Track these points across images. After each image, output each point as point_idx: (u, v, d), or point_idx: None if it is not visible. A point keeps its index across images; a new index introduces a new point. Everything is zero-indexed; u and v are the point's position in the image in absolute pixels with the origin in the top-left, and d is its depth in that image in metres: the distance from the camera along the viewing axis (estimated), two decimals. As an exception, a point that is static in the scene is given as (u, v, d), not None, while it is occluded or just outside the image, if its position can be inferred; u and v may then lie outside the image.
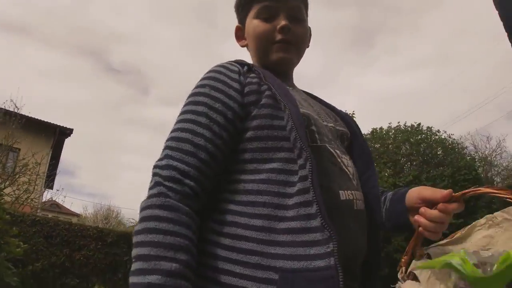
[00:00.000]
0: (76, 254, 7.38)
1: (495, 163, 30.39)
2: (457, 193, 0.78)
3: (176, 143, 0.78)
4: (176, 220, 0.70)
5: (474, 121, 56.31)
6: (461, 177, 10.15)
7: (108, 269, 7.65)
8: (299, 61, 1.05)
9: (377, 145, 11.09)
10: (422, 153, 10.93)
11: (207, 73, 0.89)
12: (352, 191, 0.82)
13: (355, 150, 0.97)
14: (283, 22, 0.93)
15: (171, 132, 0.81)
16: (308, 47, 1.09)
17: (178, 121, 0.82)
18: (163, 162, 0.76)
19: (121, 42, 73.93)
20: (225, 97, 0.83)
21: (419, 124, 11.40)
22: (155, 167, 0.77)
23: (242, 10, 1.03)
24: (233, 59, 0.94)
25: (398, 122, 12.08)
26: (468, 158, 11.20)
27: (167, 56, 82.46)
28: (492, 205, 10.06)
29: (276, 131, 0.79)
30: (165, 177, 0.74)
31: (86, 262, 7.45)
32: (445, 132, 12.74)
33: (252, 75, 0.87)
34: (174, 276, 0.66)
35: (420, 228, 0.78)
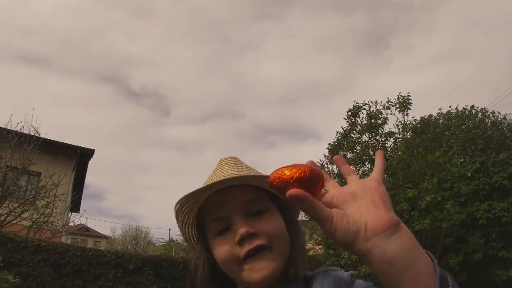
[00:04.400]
0: (92, 285, 6.15)
1: None
2: None
3: None
4: None
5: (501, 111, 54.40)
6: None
7: (132, 302, 6.33)
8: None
9: (429, 135, 9.89)
10: (482, 137, 9.70)
11: None
12: None
13: None
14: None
15: None
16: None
17: None
18: None
19: (139, 66, 74.95)
20: None
21: (473, 106, 10.18)
22: None
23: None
24: None
25: (450, 106, 10.88)
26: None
27: (184, 76, 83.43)
28: None
29: None
30: None
31: (104, 295, 6.08)
32: (499, 113, 11.43)
33: None
34: None
35: None
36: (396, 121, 7.89)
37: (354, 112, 7.84)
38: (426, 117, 10.39)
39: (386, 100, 7.92)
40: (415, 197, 6.84)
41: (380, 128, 7.56)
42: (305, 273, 0.87)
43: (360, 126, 7.73)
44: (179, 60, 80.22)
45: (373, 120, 7.58)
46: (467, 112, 10.07)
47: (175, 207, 0.87)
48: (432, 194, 6.76)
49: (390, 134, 7.48)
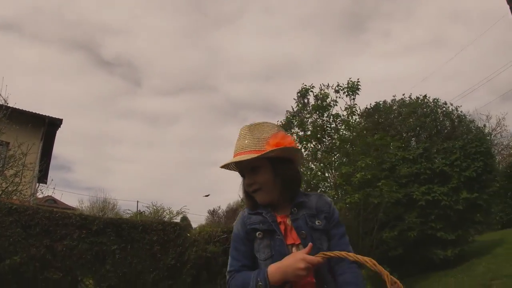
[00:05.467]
0: (58, 245, 6.53)
1: (495, 142, 30.00)
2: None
3: None
4: None
5: (469, 103, 56.36)
6: (472, 149, 9.52)
7: (95, 260, 6.85)
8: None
9: (381, 120, 10.50)
10: (430, 125, 10.33)
11: None
12: None
13: None
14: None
15: None
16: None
17: None
18: None
19: (112, 35, 73.14)
20: None
21: (425, 95, 10.78)
22: None
23: None
24: None
25: (403, 95, 11.53)
26: (475, 131, 10.55)
27: (159, 47, 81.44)
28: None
29: None
30: None
31: (70, 253, 6.61)
32: (452, 104, 12.14)
33: None
34: None
35: None
36: (345, 104, 8.37)
37: (302, 93, 8.27)
38: (380, 102, 10.98)
39: (337, 84, 8.34)
40: (349, 173, 7.45)
41: (328, 110, 8.02)
42: (306, 192, 1.69)
43: (309, 107, 8.20)
44: (154, 31, 78.23)
45: (319, 102, 8.04)
46: (419, 101, 10.66)
47: (222, 165, 1.66)
48: (363, 172, 7.31)
49: (337, 116, 7.92)
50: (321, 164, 7.74)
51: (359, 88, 8.24)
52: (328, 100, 8.14)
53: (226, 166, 1.63)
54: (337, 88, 8.28)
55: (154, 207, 17.40)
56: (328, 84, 8.26)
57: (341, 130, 7.83)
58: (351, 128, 8.17)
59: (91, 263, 6.88)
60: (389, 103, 10.90)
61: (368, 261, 1.30)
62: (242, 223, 1.57)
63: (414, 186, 8.97)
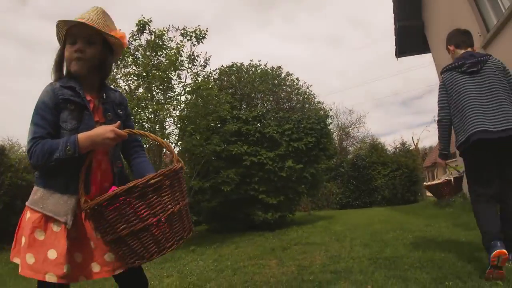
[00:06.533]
0: None
1: (352, 135, 33.49)
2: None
3: None
4: None
5: (347, 100, 62.28)
6: (308, 125, 10.14)
7: None
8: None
9: (233, 78, 10.60)
10: (276, 93, 10.73)
11: None
12: None
13: None
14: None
15: None
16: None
17: None
18: None
19: None
20: None
21: (280, 67, 11.14)
22: None
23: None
24: None
25: (259, 60, 11.77)
26: (322, 112, 11.27)
27: None
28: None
29: None
30: None
31: None
32: (305, 83, 12.86)
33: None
34: None
35: None
36: (189, 51, 8.17)
37: (139, 27, 7.79)
38: (238, 63, 11.00)
39: (183, 27, 8.05)
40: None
41: (163, 50, 7.74)
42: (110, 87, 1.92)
43: (145, 43, 7.79)
44: None
45: (154, 38, 7.68)
46: (274, 71, 10.99)
47: (58, 23, 1.67)
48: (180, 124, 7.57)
49: (171, 61, 7.55)
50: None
51: (205, 37, 8.10)
52: (167, 40, 7.86)
53: (67, 23, 1.67)
54: (182, 32, 8.00)
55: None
56: (173, 26, 7.96)
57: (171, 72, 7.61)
58: (195, 79, 8.09)
59: None
60: (246, 66, 11.02)
61: (164, 143, 1.68)
62: (53, 94, 1.60)
63: (243, 146, 9.22)
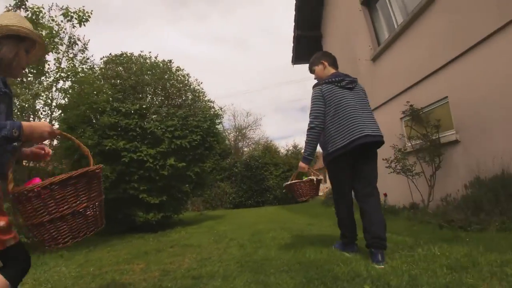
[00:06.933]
0: None
1: (248, 136, 34.26)
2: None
3: None
4: None
5: (246, 101, 64.32)
6: (194, 122, 9.73)
7: None
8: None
9: (120, 68, 9.79)
10: (166, 88, 10.16)
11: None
12: None
13: None
14: None
15: None
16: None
17: None
18: None
19: None
20: None
21: (171, 60, 10.56)
22: None
23: None
24: None
25: (150, 52, 11.17)
26: (213, 111, 10.93)
27: None
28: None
29: None
30: None
31: None
32: (197, 80, 12.51)
33: None
34: None
35: None
36: (69, 33, 7.44)
37: (17, 2, 6.83)
38: (128, 53, 10.32)
39: (66, 6, 7.26)
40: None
41: (38, 29, 6.82)
42: None
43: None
44: None
45: (31, 16, 6.79)
46: (163, 64, 10.38)
47: (28, 31, 1.83)
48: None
49: (52, 40, 6.80)
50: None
51: (88, 20, 7.39)
52: (47, 19, 7.05)
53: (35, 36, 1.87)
54: (65, 11, 7.18)
55: None
56: (57, 4, 7.19)
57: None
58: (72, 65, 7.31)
59: None
60: (136, 57, 10.26)
61: (81, 146, 1.92)
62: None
63: (119, 141, 8.53)
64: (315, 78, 3.78)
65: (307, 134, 3.43)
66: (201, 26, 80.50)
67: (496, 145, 5.16)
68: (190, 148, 9.45)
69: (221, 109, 11.48)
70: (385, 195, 7.79)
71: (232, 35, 79.32)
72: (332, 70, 3.65)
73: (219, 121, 10.99)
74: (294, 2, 11.64)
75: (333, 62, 3.71)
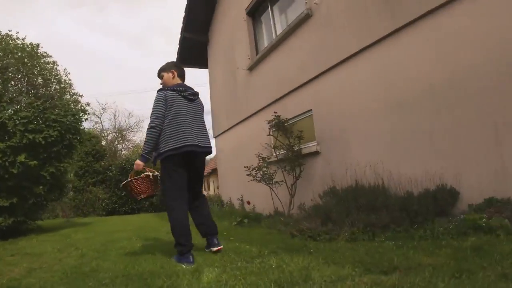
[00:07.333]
0: None
1: (128, 138, 32.82)
2: None
3: None
4: None
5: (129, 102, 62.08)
6: (52, 116, 8.55)
7: None
8: None
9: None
10: (30, 75, 8.93)
11: None
12: None
13: None
14: None
15: None
16: None
17: None
18: None
19: None
20: None
21: (38, 44, 9.34)
22: None
23: None
24: None
25: (17, 32, 9.79)
26: (79, 106, 9.93)
27: None
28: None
29: None
30: None
31: None
32: (65, 69, 11.36)
33: None
34: None
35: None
36: None
37: None
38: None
39: None
40: None
41: None
42: None
43: None
44: None
45: None
46: (32, 49, 9.12)
47: None
48: None
49: None
50: None
51: None
52: None
53: None
54: None
55: None
56: None
57: None
58: None
59: None
60: (2, 35, 8.88)
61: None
62: None
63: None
64: (161, 84, 4.02)
65: (147, 133, 3.62)
66: (98, 16, 75.33)
67: (352, 157, 5.45)
68: (45, 145, 8.32)
69: (88, 104, 10.47)
70: (248, 203, 7.78)
71: (130, 28, 75.75)
72: (178, 81, 4.01)
73: (85, 117, 9.93)
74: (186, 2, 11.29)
75: (181, 74, 4.07)
